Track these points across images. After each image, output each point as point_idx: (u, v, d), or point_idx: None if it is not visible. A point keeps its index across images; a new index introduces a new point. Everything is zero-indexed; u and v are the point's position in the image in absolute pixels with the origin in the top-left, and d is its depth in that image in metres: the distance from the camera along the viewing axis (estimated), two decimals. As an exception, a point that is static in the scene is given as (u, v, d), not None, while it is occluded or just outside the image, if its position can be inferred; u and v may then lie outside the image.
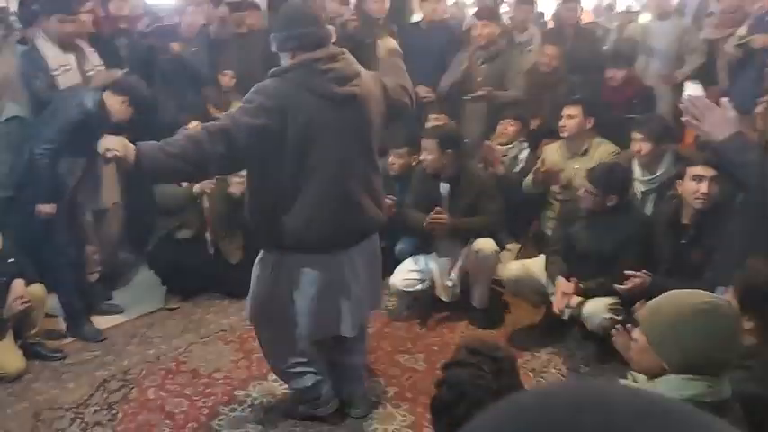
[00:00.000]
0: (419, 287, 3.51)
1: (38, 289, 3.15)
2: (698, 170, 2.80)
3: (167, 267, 3.73)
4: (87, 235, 3.61)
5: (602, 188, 3.04)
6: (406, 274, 3.50)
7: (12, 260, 3.07)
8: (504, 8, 6.54)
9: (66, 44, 3.51)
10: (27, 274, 3.12)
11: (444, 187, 3.48)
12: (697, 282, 2.53)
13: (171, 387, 2.96)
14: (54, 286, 3.36)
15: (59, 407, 2.82)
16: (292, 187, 2.24)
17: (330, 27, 2.38)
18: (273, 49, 2.31)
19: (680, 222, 2.93)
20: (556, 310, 3.02)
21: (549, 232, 3.67)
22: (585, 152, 3.71)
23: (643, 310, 1.57)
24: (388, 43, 2.82)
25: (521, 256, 3.76)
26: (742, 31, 4.32)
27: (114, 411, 2.79)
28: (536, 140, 4.10)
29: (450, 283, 3.51)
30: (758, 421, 1.51)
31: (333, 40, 2.32)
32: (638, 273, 2.70)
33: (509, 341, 3.35)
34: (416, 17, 5.41)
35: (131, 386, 2.96)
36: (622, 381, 1.83)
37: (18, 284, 3.03)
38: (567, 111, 3.69)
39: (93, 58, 3.66)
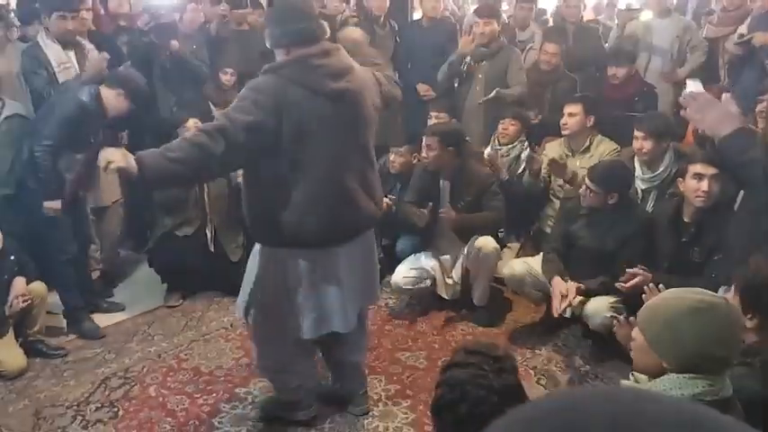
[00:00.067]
0: (420, 285, 3.51)
1: (39, 287, 3.15)
2: (699, 168, 2.80)
3: (168, 265, 3.73)
4: (90, 233, 3.61)
5: (603, 186, 3.04)
6: (407, 272, 3.51)
7: (13, 258, 3.07)
8: (503, 6, 6.54)
9: (66, 41, 3.51)
10: (28, 271, 3.12)
11: (445, 185, 3.49)
12: (698, 280, 2.54)
13: (172, 385, 2.96)
14: (55, 284, 3.36)
15: (60, 404, 2.82)
16: (287, 182, 2.24)
17: (325, 23, 2.37)
18: (268, 44, 2.31)
19: (681, 220, 2.93)
20: (555, 313, 3.00)
21: (548, 230, 3.67)
22: (586, 150, 3.71)
23: (641, 309, 1.57)
24: (351, 34, 2.82)
25: (521, 254, 3.77)
26: (743, 29, 4.32)
27: (115, 409, 2.79)
28: (537, 139, 4.10)
29: (450, 281, 3.52)
30: (760, 419, 1.51)
31: (327, 36, 2.31)
32: (637, 270, 2.69)
33: (510, 339, 3.36)
34: (417, 15, 5.41)
35: (133, 384, 2.97)
36: (625, 382, 1.84)
37: (19, 282, 3.04)
38: (568, 108, 3.69)
39: (94, 55, 3.65)
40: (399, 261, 3.61)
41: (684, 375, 1.42)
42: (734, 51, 4.33)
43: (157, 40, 4.14)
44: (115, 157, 2.04)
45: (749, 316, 1.74)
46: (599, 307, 2.99)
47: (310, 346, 2.57)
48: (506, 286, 3.59)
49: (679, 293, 1.50)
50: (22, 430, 2.67)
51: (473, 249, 3.38)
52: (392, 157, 3.91)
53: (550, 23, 6.15)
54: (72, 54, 3.55)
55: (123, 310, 3.66)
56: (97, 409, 2.79)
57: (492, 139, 4.08)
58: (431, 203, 3.37)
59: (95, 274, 3.76)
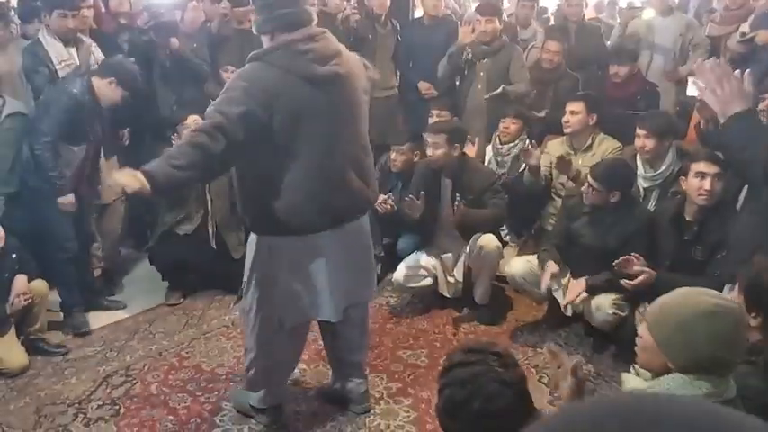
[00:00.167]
0: (422, 283, 3.51)
1: (40, 285, 3.15)
2: (701, 167, 2.80)
3: (169, 263, 3.73)
4: (93, 231, 3.61)
5: (606, 184, 3.04)
6: (409, 269, 3.50)
7: (14, 256, 3.07)
8: (504, 4, 6.53)
9: (68, 39, 3.51)
10: (29, 269, 3.12)
11: (446, 183, 3.48)
12: (701, 278, 2.53)
13: (173, 383, 2.96)
14: (55, 282, 3.36)
15: (62, 402, 2.82)
16: (278, 169, 2.22)
17: (312, 8, 2.35)
18: (254, 31, 2.31)
19: (683, 219, 2.92)
20: (543, 288, 3.10)
21: (550, 228, 3.66)
22: (589, 148, 3.70)
23: (650, 308, 1.54)
24: None
25: (523, 252, 3.76)
26: (745, 27, 4.31)
27: (117, 407, 2.79)
28: (539, 137, 4.09)
29: (452, 280, 3.52)
30: (761, 418, 1.50)
31: (314, 21, 2.30)
32: (632, 258, 2.70)
33: (511, 337, 3.35)
34: (418, 13, 5.40)
35: (134, 382, 2.96)
36: (626, 374, 1.83)
37: (20, 280, 3.04)
38: (570, 107, 3.68)
39: (96, 53, 3.65)
40: (401, 259, 3.60)
41: (690, 376, 1.41)
42: (736, 50, 4.31)
43: (157, 39, 4.14)
44: (128, 181, 2.03)
45: (753, 314, 1.74)
46: (601, 304, 2.99)
47: (297, 339, 2.56)
48: (508, 284, 3.59)
49: (691, 295, 1.47)
50: (24, 428, 2.67)
51: (475, 247, 3.38)
52: (393, 155, 3.90)
53: (551, 22, 6.15)
54: (73, 51, 3.55)
55: (124, 307, 3.66)
56: (98, 407, 2.79)
57: (493, 137, 4.08)
58: (422, 193, 3.35)
59: (97, 272, 3.76)
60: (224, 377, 3.00)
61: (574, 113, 3.66)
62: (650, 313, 1.54)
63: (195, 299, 3.76)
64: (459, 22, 5.23)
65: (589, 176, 3.11)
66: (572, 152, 3.75)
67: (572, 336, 3.32)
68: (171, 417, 2.72)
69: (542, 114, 4.20)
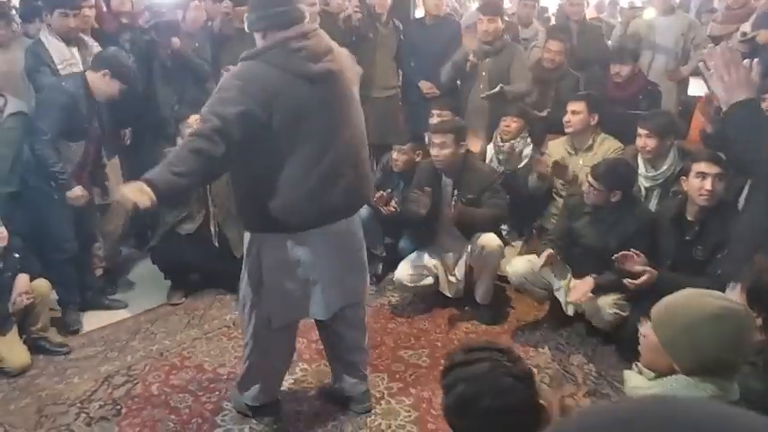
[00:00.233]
0: (423, 283, 3.51)
1: (42, 284, 3.15)
2: (702, 167, 2.80)
3: (170, 263, 3.73)
4: (95, 231, 3.61)
5: (607, 184, 3.04)
6: (410, 269, 3.51)
7: (16, 255, 3.07)
8: (506, 4, 6.52)
9: (69, 38, 3.51)
10: (31, 269, 3.12)
11: (447, 182, 3.48)
12: (702, 278, 2.53)
13: (175, 382, 2.96)
14: (54, 281, 3.36)
15: (63, 402, 2.82)
16: (273, 166, 2.22)
17: (303, 6, 2.34)
18: (246, 28, 2.30)
19: (684, 218, 2.92)
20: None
21: (550, 228, 3.66)
22: (590, 148, 3.70)
23: (655, 309, 1.52)
24: None
25: (524, 251, 3.76)
26: (747, 26, 4.30)
27: (119, 406, 2.79)
28: (540, 135, 4.10)
29: (453, 279, 3.52)
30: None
31: (306, 19, 2.30)
32: (647, 267, 2.70)
33: (513, 337, 3.35)
34: (420, 13, 5.40)
35: (135, 381, 2.97)
36: (628, 372, 1.83)
37: (22, 279, 3.04)
38: (571, 106, 3.69)
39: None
40: (402, 259, 3.61)
41: (695, 378, 1.41)
42: (738, 49, 4.31)
43: (158, 39, 4.14)
44: (138, 197, 2.03)
45: (754, 315, 1.73)
46: (603, 304, 2.99)
47: (288, 338, 2.57)
48: (509, 284, 3.59)
49: (697, 297, 1.46)
50: (25, 428, 2.67)
51: (476, 247, 3.37)
52: (395, 155, 3.90)
53: (552, 21, 6.15)
54: (75, 50, 3.55)
55: (126, 307, 3.66)
56: (100, 406, 2.79)
57: (494, 135, 4.08)
58: (428, 189, 3.35)
59: (98, 272, 3.76)
60: (225, 377, 3.00)
61: (575, 113, 3.66)
62: (655, 314, 1.52)
63: (197, 298, 3.77)
64: (459, 23, 5.23)
65: (590, 176, 3.12)
66: (573, 152, 3.75)
67: (573, 335, 3.32)
68: (172, 417, 2.73)
69: (544, 114, 4.20)
